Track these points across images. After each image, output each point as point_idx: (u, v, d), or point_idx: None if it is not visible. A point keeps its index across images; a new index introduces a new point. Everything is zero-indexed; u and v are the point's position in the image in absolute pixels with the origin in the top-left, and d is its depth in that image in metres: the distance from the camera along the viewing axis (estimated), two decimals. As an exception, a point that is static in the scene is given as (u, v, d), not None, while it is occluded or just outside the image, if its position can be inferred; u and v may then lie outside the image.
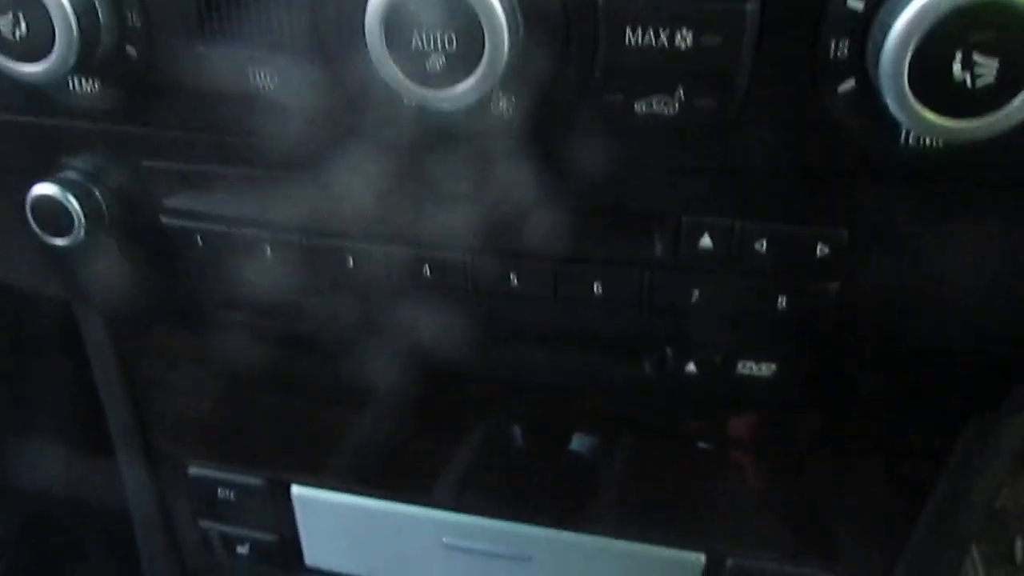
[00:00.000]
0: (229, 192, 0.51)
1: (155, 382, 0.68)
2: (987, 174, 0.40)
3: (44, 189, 0.51)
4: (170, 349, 0.65)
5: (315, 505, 0.67)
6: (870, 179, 0.42)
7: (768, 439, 0.59)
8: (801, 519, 0.60)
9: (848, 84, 0.38)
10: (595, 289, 0.48)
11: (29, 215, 0.51)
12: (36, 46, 0.43)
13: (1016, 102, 0.34)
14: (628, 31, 0.39)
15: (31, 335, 0.77)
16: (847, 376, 0.51)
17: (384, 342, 0.56)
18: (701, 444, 0.61)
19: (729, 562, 0.61)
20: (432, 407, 0.62)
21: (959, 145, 0.38)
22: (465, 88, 0.39)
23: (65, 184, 0.50)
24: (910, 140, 0.39)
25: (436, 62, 0.38)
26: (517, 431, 0.63)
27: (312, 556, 0.70)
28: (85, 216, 0.51)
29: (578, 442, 0.62)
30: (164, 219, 0.52)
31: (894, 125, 0.38)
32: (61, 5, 0.42)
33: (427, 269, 0.50)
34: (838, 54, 0.38)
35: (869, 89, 0.38)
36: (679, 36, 0.38)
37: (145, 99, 0.48)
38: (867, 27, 0.36)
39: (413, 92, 0.39)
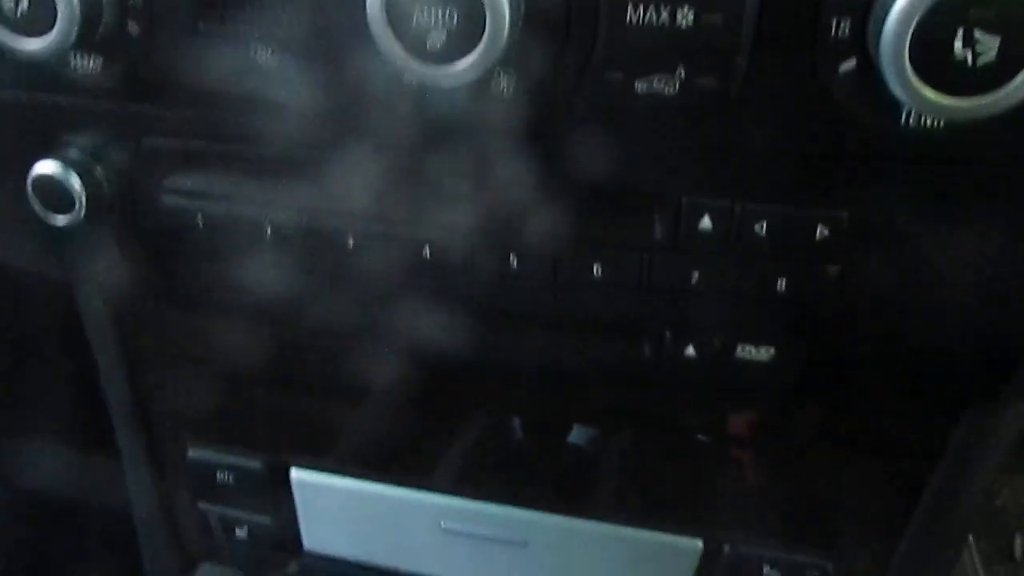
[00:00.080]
0: (230, 172, 0.51)
1: (155, 365, 0.68)
2: (988, 155, 0.40)
3: (45, 167, 0.51)
4: (170, 331, 0.65)
5: (314, 489, 0.67)
6: (871, 160, 0.42)
7: (766, 427, 0.59)
8: (799, 508, 0.60)
9: (849, 64, 0.38)
10: (594, 271, 0.48)
11: (30, 193, 0.51)
12: (37, 21, 0.43)
13: (1017, 80, 0.34)
14: (629, 9, 0.39)
15: (30, 328, 0.78)
16: (846, 362, 0.51)
17: (383, 326, 0.56)
18: (700, 431, 0.61)
19: (726, 549, 0.61)
20: (431, 392, 0.62)
21: (960, 125, 0.38)
22: (465, 65, 0.39)
23: (66, 162, 0.50)
24: (911, 120, 0.39)
25: (437, 39, 0.38)
26: (516, 416, 0.63)
27: (311, 540, 0.70)
28: (86, 195, 0.51)
29: (576, 428, 0.62)
30: (165, 199, 0.52)
31: (895, 105, 0.38)
32: (63, -20, 0.42)
33: (427, 251, 0.50)
34: (839, 33, 0.38)
35: (870, 68, 0.37)
36: (680, 14, 0.38)
37: (146, 77, 0.48)
38: (868, 5, 0.36)
39: (413, 69, 0.39)
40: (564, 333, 0.54)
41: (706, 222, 0.45)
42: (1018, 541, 1.27)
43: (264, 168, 0.50)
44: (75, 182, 0.51)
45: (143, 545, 0.78)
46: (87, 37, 0.44)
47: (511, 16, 0.37)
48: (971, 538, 1.23)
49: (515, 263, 0.49)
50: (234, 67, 0.46)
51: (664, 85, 0.40)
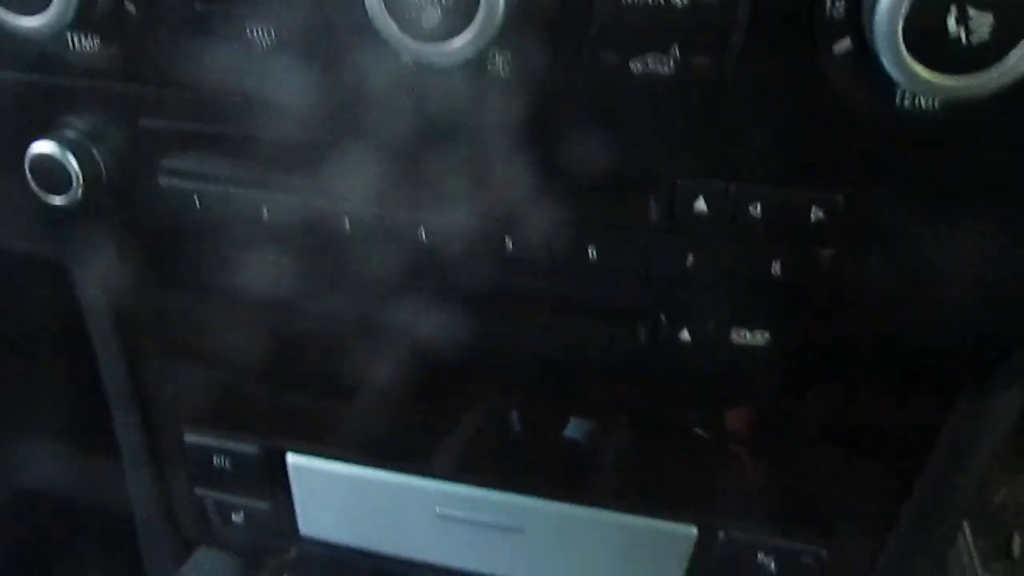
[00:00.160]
0: (227, 153, 0.51)
1: (152, 350, 0.68)
2: (983, 138, 0.40)
3: (43, 147, 0.51)
4: (167, 316, 0.65)
5: (310, 474, 0.67)
6: (866, 143, 0.42)
7: (761, 414, 0.59)
8: (793, 495, 0.60)
9: (844, 43, 0.38)
10: (590, 254, 0.48)
11: (28, 173, 0.51)
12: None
13: (1011, 57, 0.34)
14: (624, -12, 0.39)
15: (26, 321, 0.78)
16: (840, 347, 0.51)
17: (379, 311, 0.56)
18: (695, 418, 0.61)
19: (721, 535, 0.61)
20: (427, 378, 0.62)
21: (955, 107, 0.38)
22: (461, 43, 0.39)
23: (64, 142, 0.51)
24: (906, 101, 0.39)
25: (432, 16, 0.38)
26: (511, 402, 0.63)
27: (306, 525, 0.70)
28: (83, 175, 0.51)
29: (572, 414, 0.62)
30: (162, 180, 0.52)
31: (890, 85, 0.38)
32: (59, -42, 0.42)
33: (423, 234, 0.50)
34: (834, 13, 0.38)
35: (865, 48, 0.37)
36: (676, -7, 0.38)
37: (143, 56, 0.48)
38: (863, -17, 0.36)
39: (409, 47, 0.39)
40: (560, 317, 0.54)
41: (701, 204, 0.45)
42: (1016, 539, 1.27)
43: (261, 150, 0.50)
44: (72, 162, 0.51)
45: (140, 531, 0.78)
46: (85, 16, 0.44)
47: (506, -7, 0.37)
48: (969, 536, 1.23)
49: (511, 246, 0.49)
50: (231, 48, 0.46)
51: (659, 65, 0.40)
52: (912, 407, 0.55)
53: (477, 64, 0.42)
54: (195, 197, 0.52)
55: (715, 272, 0.47)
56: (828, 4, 0.38)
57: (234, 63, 0.47)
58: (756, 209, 0.44)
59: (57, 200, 0.52)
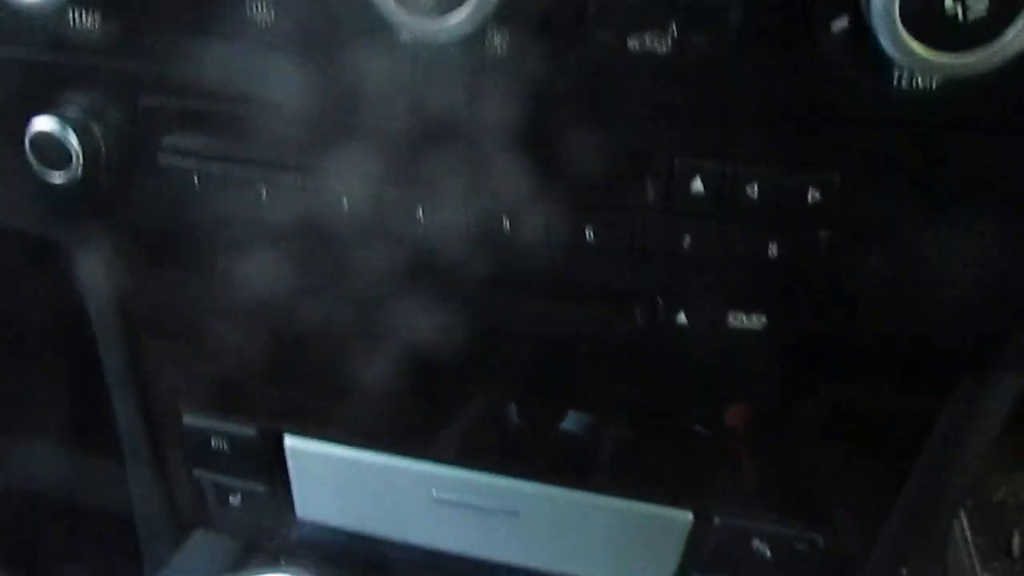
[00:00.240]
0: (226, 132, 0.51)
1: (152, 331, 0.68)
2: (980, 118, 0.40)
3: (43, 124, 0.51)
4: (166, 297, 0.65)
5: (307, 456, 0.68)
6: (864, 123, 0.42)
7: (757, 400, 0.59)
8: (789, 481, 0.60)
9: (841, 22, 0.38)
10: (587, 235, 0.48)
11: (28, 149, 0.51)
12: (36, -26, 0.44)
13: (1008, 34, 0.34)
14: (622, -35, 0.39)
15: (24, 314, 0.78)
16: (837, 333, 0.51)
17: (377, 293, 0.56)
18: (692, 403, 0.60)
19: (716, 521, 0.61)
20: (423, 362, 0.62)
21: (952, 87, 0.38)
22: (459, 19, 0.39)
23: (64, 119, 0.51)
24: (903, 81, 0.39)
25: (429, -9, 0.38)
26: (508, 386, 0.63)
27: (303, 508, 0.70)
28: (83, 152, 0.51)
29: (569, 399, 0.62)
30: (161, 158, 0.53)
31: (887, 64, 0.38)
32: (60, -70, 0.42)
33: (420, 214, 0.50)
34: (832, -10, 0.38)
35: (862, 27, 0.37)
36: (674, -29, 0.38)
37: (144, 33, 0.48)
38: (860, -39, 0.36)
39: (406, 22, 0.40)
40: (557, 300, 0.54)
41: (698, 184, 0.45)
42: (1016, 537, 1.27)
43: (260, 129, 0.50)
44: (72, 139, 0.51)
45: (137, 514, 0.78)
46: (85, -10, 0.45)
47: (504, -31, 0.37)
48: (969, 534, 1.23)
49: (507, 227, 0.49)
50: (231, 25, 0.47)
51: (656, 43, 0.40)
52: (908, 394, 0.55)
53: (475, 41, 0.42)
54: (194, 176, 0.52)
55: (712, 254, 0.47)
56: (826, -18, 0.38)
57: (234, 42, 0.47)
58: (753, 190, 0.44)
59: (56, 177, 0.52)
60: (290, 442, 0.68)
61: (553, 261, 0.50)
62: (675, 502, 0.62)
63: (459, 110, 0.46)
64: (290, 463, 0.68)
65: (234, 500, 0.71)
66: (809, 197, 0.44)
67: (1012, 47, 0.34)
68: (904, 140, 0.42)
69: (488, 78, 0.44)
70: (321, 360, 0.65)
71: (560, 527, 0.65)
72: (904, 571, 0.60)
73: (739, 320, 0.51)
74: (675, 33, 0.40)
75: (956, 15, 0.34)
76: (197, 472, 0.72)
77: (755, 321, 0.51)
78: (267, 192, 0.52)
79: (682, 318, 0.51)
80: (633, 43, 0.40)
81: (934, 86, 0.39)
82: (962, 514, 1.23)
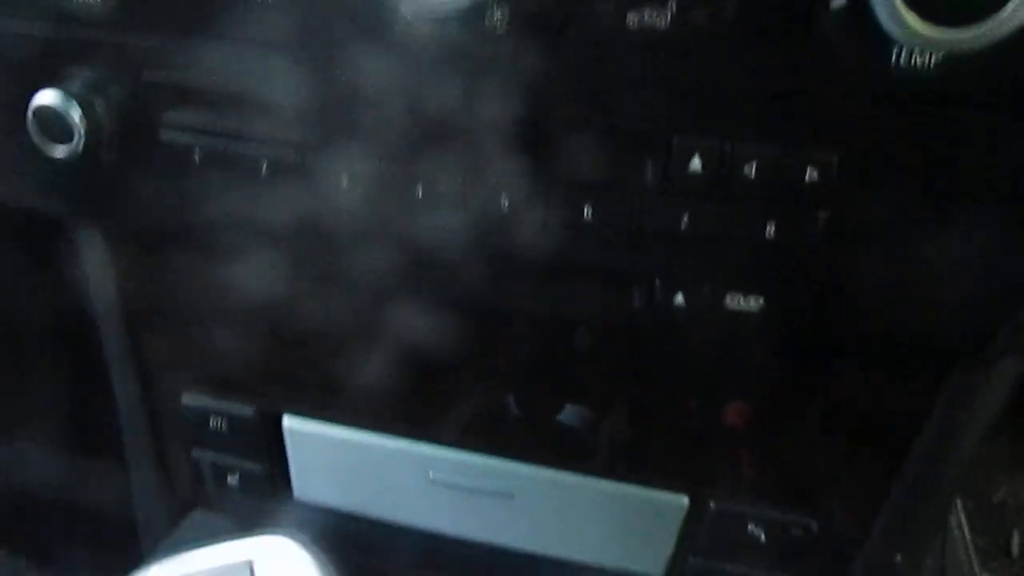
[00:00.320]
0: (228, 107, 0.52)
1: (151, 310, 0.68)
2: (979, 96, 0.40)
3: (46, 98, 0.51)
4: (167, 275, 0.66)
5: (305, 436, 0.68)
6: (862, 102, 0.42)
7: (753, 384, 0.59)
8: (784, 465, 0.60)
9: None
10: (585, 213, 0.48)
11: (31, 123, 0.52)
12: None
13: (1008, 9, 0.34)
14: (622, -61, 0.39)
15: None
16: (834, 315, 0.51)
17: (375, 273, 0.57)
18: (689, 388, 0.61)
19: (712, 505, 0.61)
20: (421, 343, 0.62)
21: (951, 63, 0.38)
22: (459, -10, 0.39)
23: (67, 93, 0.51)
24: (902, 59, 0.39)
25: (429, -36, 0.38)
26: (505, 369, 0.63)
27: (300, 488, 0.71)
28: (85, 126, 0.52)
29: (566, 381, 0.62)
30: (163, 133, 0.53)
31: (886, 42, 0.38)
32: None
33: (419, 190, 0.50)
34: (831, -34, 0.38)
35: (861, 4, 0.37)
36: (673, -54, 0.38)
37: (147, 8, 0.48)
38: (860, -64, 0.36)
39: (407, -5, 0.40)
40: (554, 281, 0.54)
41: (696, 163, 0.45)
42: (1016, 538, 1.27)
43: (262, 103, 0.51)
44: (75, 113, 0.51)
45: (136, 493, 0.79)
46: (89, -36, 0.45)
47: (504, -59, 0.37)
48: (968, 534, 1.23)
49: (506, 204, 0.49)
50: (233, 2, 0.47)
51: (656, 18, 0.40)
52: (905, 379, 0.54)
53: (475, 16, 0.42)
54: (195, 151, 0.53)
55: (710, 234, 0.47)
56: (825, -41, 0.38)
57: (235, 19, 0.48)
58: (751, 169, 0.44)
59: (58, 151, 0.52)
60: (288, 422, 0.68)
61: (552, 240, 0.50)
62: (671, 486, 0.62)
63: (458, 86, 0.46)
64: (288, 443, 0.69)
65: (232, 480, 0.71)
66: (807, 177, 0.44)
67: (1011, 22, 0.34)
68: (903, 119, 0.42)
69: (487, 53, 0.44)
70: (320, 341, 0.66)
71: (555, 510, 0.65)
72: (899, 557, 0.60)
73: (737, 302, 0.51)
74: (674, 9, 0.40)
75: (955, -10, 0.34)
76: (195, 452, 0.72)
77: (753, 303, 0.51)
78: (267, 168, 0.52)
79: (680, 299, 0.51)
80: (632, 19, 0.41)
81: (933, 64, 0.39)
82: (962, 514, 1.23)
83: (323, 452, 0.68)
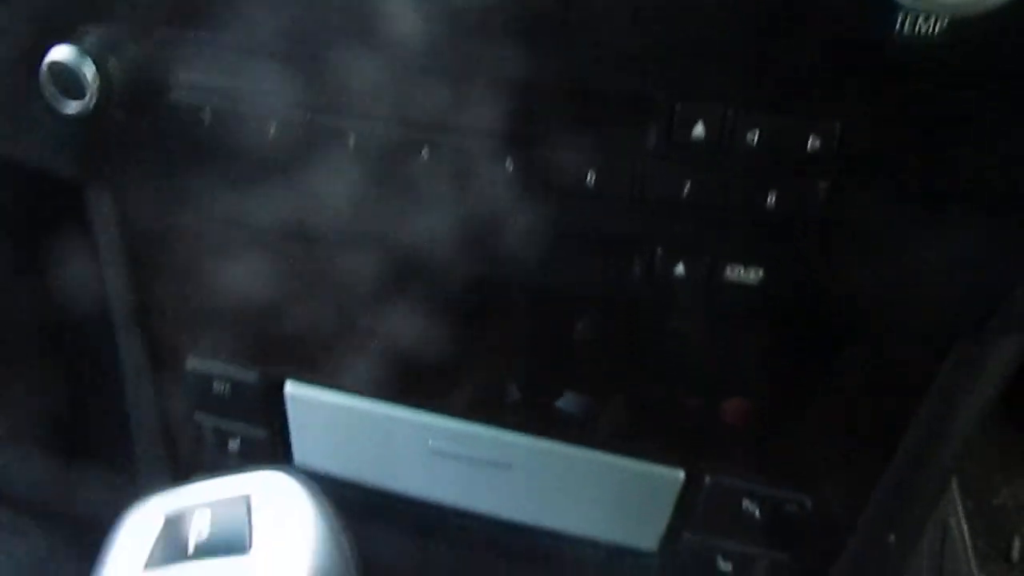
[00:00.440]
0: (239, 68, 0.52)
1: (159, 272, 0.69)
2: (983, 65, 0.40)
3: (61, 53, 0.52)
4: (175, 237, 0.66)
5: (306, 403, 0.69)
6: (866, 70, 0.42)
7: (751, 361, 0.59)
8: (780, 442, 0.60)
9: (846, -37, 0.39)
10: (588, 179, 0.49)
11: (44, 78, 0.52)
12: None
13: (1010, -28, 0.34)
14: None
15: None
16: (834, 289, 0.51)
17: (380, 238, 0.57)
18: (687, 362, 0.61)
19: (707, 480, 0.62)
20: (422, 310, 0.63)
21: (956, 30, 0.39)
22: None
23: (81, 49, 0.52)
24: (906, 26, 0.39)
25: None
26: (506, 339, 0.64)
27: (301, 455, 0.71)
28: (98, 83, 0.52)
29: (566, 352, 0.63)
30: (174, 92, 0.53)
31: (891, 8, 0.39)
32: None
33: (425, 152, 0.51)
34: (836, -70, 0.38)
35: (867, -32, 0.38)
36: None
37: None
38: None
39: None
40: (556, 249, 0.54)
41: (699, 129, 0.45)
42: (1016, 543, 1.26)
43: (274, 63, 0.51)
44: (88, 70, 0.52)
45: (138, 458, 0.80)
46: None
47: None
48: (967, 536, 1.23)
49: (511, 166, 0.50)
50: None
51: (661, -20, 0.41)
52: (903, 356, 0.55)
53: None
54: (206, 111, 0.53)
55: (711, 202, 0.47)
56: (831, -77, 0.38)
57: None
58: (754, 136, 0.45)
59: (70, 108, 0.53)
60: (291, 388, 0.69)
61: (554, 207, 0.51)
62: (667, 460, 0.62)
63: (461, 48, 0.46)
64: (289, 409, 0.69)
65: (233, 445, 0.72)
66: (809, 145, 0.44)
67: (1015, -15, 0.34)
68: (906, 88, 0.42)
69: (490, 13, 0.44)
70: (325, 308, 0.66)
71: (552, 482, 0.65)
72: (892, 537, 0.60)
73: (737, 274, 0.51)
74: (680, -28, 0.40)
75: (960, -48, 0.34)
76: (198, 416, 0.73)
77: (752, 276, 0.51)
78: (275, 129, 0.53)
79: (680, 270, 0.52)
80: (638, -18, 0.41)
81: (937, 31, 0.39)
82: (962, 516, 1.23)
83: (324, 419, 0.69)
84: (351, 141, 0.51)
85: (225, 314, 0.68)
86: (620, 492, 0.64)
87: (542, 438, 0.64)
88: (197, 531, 0.32)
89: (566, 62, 0.46)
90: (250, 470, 0.73)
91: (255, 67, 0.52)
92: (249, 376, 0.69)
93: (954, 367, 0.54)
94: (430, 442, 0.66)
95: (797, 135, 0.44)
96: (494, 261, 0.56)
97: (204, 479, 0.75)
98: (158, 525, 0.33)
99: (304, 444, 0.71)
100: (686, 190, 0.47)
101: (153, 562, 0.32)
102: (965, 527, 1.24)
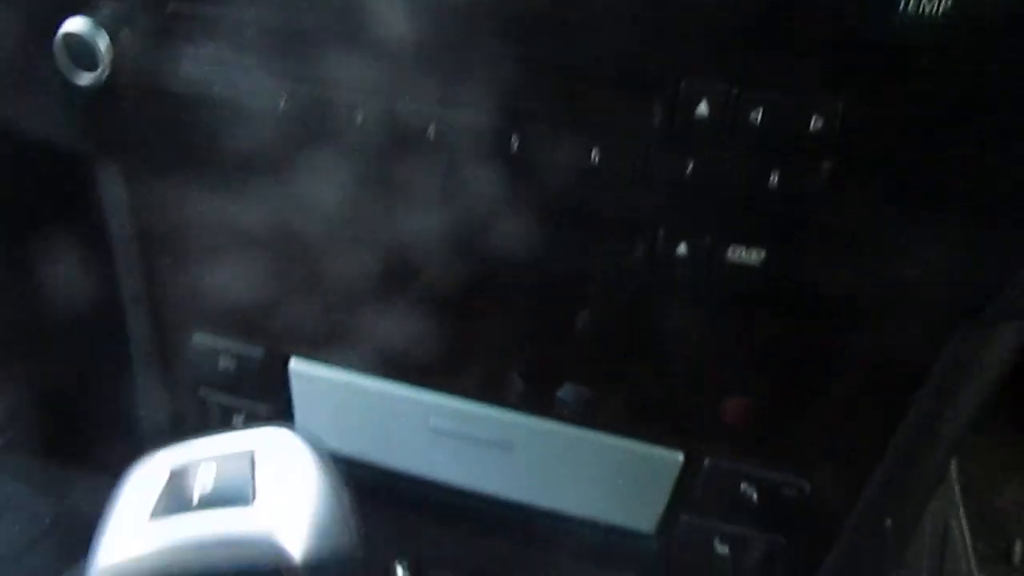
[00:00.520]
0: (250, 42, 0.53)
1: (167, 247, 0.70)
2: (985, 44, 0.41)
3: (75, 25, 0.53)
4: (184, 212, 0.67)
5: (310, 380, 0.69)
6: (869, 50, 0.42)
7: (752, 344, 0.60)
8: (779, 426, 0.61)
9: (851, -58, 0.39)
10: (592, 156, 0.49)
11: (58, 48, 0.53)
12: None
13: (1012, -51, 0.34)
14: None
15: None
16: (835, 271, 0.52)
17: (386, 215, 0.58)
18: (687, 345, 0.61)
19: (706, 462, 0.62)
20: (426, 289, 0.64)
21: (959, 10, 0.39)
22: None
23: (94, 21, 0.53)
24: (910, 6, 0.40)
25: None
26: (509, 318, 0.64)
27: (303, 432, 0.72)
28: (111, 55, 0.53)
29: (568, 331, 0.63)
30: (185, 65, 0.54)
31: (894, -13, 0.39)
32: None
33: (432, 129, 0.51)
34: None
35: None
36: None
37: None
38: None
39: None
40: (560, 227, 0.55)
41: (703, 108, 0.46)
42: (1018, 545, 1.26)
43: (284, 37, 0.52)
44: (102, 42, 0.53)
45: (143, 433, 0.80)
46: None
47: None
48: (968, 538, 1.23)
49: (516, 144, 0.50)
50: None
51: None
52: (904, 339, 0.55)
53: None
54: (216, 85, 0.54)
55: (714, 181, 0.48)
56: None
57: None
58: (757, 115, 0.45)
59: (83, 79, 0.54)
60: (295, 365, 0.69)
61: (559, 184, 0.51)
62: (667, 442, 0.63)
63: (466, 26, 0.47)
64: (293, 386, 0.70)
65: (237, 420, 0.73)
66: (812, 124, 0.45)
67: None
68: (909, 68, 0.42)
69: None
70: (331, 286, 0.67)
71: (552, 463, 0.66)
72: (888, 522, 0.60)
73: (738, 255, 0.52)
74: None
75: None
76: (203, 392, 0.74)
77: (754, 256, 0.51)
78: (285, 103, 0.53)
79: (683, 249, 0.52)
80: (645, -40, 0.41)
81: (940, 11, 0.39)
82: (963, 518, 1.23)
83: (327, 396, 0.70)
84: (359, 118, 0.52)
85: (232, 291, 0.69)
86: (619, 473, 0.64)
87: (542, 418, 0.64)
88: (201, 484, 0.33)
89: (571, 40, 0.46)
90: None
91: (266, 42, 0.52)
92: (255, 352, 0.70)
93: (954, 352, 0.54)
94: (431, 421, 0.67)
95: (800, 114, 0.44)
96: (497, 240, 0.57)
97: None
98: (163, 478, 0.34)
99: (307, 421, 0.72)
100: (689, 169, 0.48)
101: (158, 512, 0.32)
102: (966, 528, 1.23)
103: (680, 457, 0.63)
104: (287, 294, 0.68)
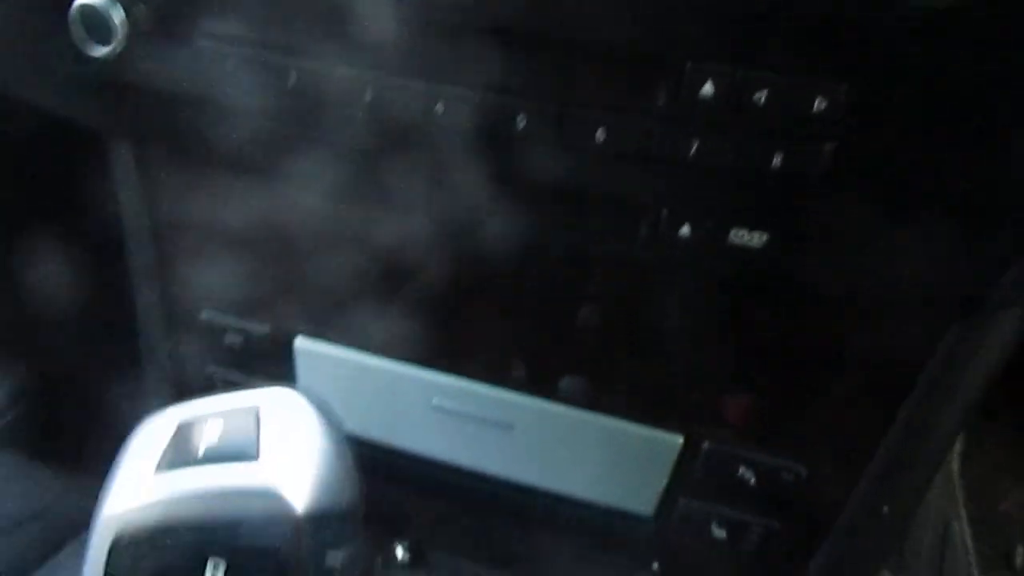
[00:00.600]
0: (262, 17, 0.54)
1: (177, 225, 0.71)
2: (992, 29, 0.41)
3: (90, -3, 0.54)
4: (193, 191, 0.68)
5: (315, 358, 0.70)
6: (874, 33, 0.43)
7: (752, 329, 0.60)
8: (778, 411, 0.61)
9: (857, -77, 0.39)
10: (597, 136, 0.50)
11: (73, 20, 0.54)
12: None
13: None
14: None
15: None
16: (835, 256, 0.52)
17: (391, 195, 0.58)
18: (688, 328, 0.62)
19: (705, 446, 0.63)
20: (429, 268, 0.64)
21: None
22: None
23: (110, -6, 0.53)
24: (917, -12, 0.40)
25: None
26: (512, 299, 0.65)
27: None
28: (126, 29, 0.54)
29: (571, 312, 0.64)
30: (197, 40, 0.55)
31: (899, -31, 0.39)
32: None
33: (440, 106, 0.52)
34: None
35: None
36: None
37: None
38: None
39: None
40: (564, 206, 0.55)
41: (708, 88, 0.46)
42: (1020, 550, 1.26)
43: (296, 13, 0.53)
44: (117, 15, 0.54)
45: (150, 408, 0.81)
46: None
47: None
48: (970, 541, 1.23)
49: (522, 123, 0.51)
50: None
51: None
52: (905, 325, 0.55)
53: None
54: (228, 60, 0.55)
55: (718, 162, 0.48)
56: None
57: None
58: (761, 96, 0.45)
59: (98, 51, 0.55)
60: (300, 343, 0.70)
61: (563, 164, 0.52)
62: (667, 425, 0.63)
63: (474, 4, 0.48)
64: (298, 363, 0.71)
65: (242, 398, 0.74)
66: (815, 106, 0.45)
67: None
68: (914, 51, 0.43)
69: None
70: (338, 265, 0.68)
71: (553, 444, 0.66)
72: (885, 508, 0.61)
73: (741, 237, 0.52)
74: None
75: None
76: (210, 370, 0.75)
77: (756, 239, 0.52)
78: (296, 79, 0.54)
79: (685, 231, 0.53)
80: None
81: (945, -5, 0.40)
82: (965, 520, 1.23)
83: (331, 374, 0.70)
84: (368, 95, 0.53)
85: (240, 271, 0.70)
86: (619, 455, 0.65)
87: (544, 399, 0.65)
88: (208, 438, 0.34)
89: (578, 19, 0.47)
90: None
91: (278, 16, 0.53)
92: (261, 329, 0.71)
93: (955, 338, 0.54)
94: (434, 400, 0.67)
95: (804, 96, 0.45)
96: (501, 221, 0.57)
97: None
98: (170, 432, 0.35)
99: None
100: (693, 150, 0.48)
101: (164, 465, 0.33)
102: (968, 531, 1.23)
103: (679, 440, 0.63)
104: (294, 273, 0.69)
